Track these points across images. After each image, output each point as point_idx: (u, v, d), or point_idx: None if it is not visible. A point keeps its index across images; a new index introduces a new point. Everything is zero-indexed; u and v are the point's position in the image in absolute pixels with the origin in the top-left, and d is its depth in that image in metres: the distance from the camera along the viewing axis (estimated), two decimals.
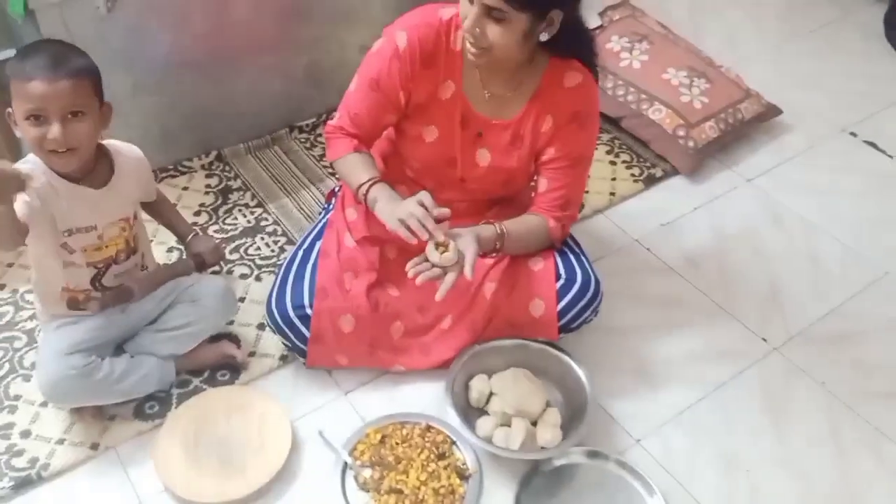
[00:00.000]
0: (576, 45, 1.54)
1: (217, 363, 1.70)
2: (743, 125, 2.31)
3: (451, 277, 1.44)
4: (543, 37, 1.44)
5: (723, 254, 2.02)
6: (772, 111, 2.39)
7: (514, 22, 1.39)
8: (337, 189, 1.89)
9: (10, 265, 1.91)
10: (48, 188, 1.42)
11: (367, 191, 1.54)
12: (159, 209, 1.72)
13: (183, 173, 2.16)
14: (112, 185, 1.49)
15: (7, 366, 1.69)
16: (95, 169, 1.48)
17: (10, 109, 1.38)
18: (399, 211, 1.46)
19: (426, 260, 1.46)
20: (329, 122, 1.67)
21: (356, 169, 1.58)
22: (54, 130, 1.34)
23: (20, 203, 1.34)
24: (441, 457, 1.53)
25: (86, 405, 1.57)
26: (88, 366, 1.49)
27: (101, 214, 1.50)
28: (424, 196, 1.47)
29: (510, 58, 1.49)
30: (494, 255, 1.61)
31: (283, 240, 2.00)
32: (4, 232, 1.31)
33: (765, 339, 1.81)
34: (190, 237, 1.78)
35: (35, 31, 1.83)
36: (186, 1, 1.94)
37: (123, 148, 1.55)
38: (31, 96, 1.32)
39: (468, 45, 1.46)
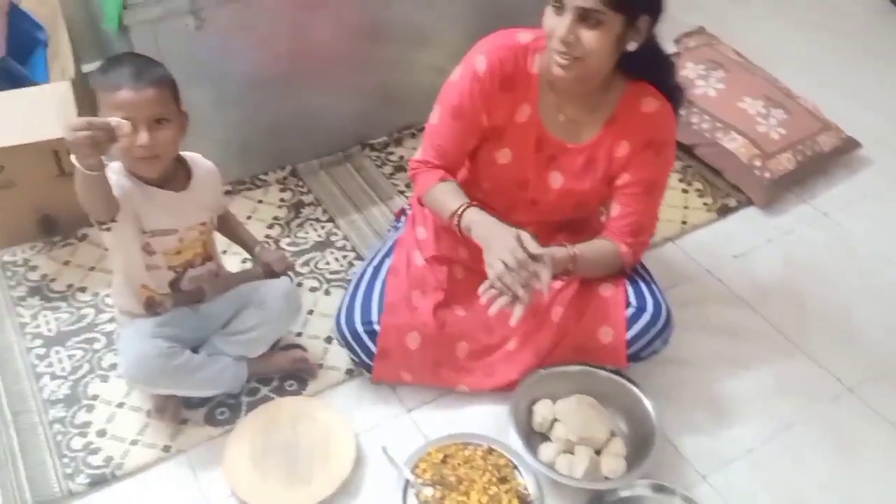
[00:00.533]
0: (654, 66, 1.53)
1: (288, 370, 1.73)
2: (821, 158, 2.26)
3: (524, 302, 1.42)
4: (632, 46, 1.43)
5: (796, 288, 1.98)
6: (851, 144, 2.33)
7: (609, 24, 1.38)
8: (407, 207, 1.91)
9: (91, 269, 1.99)
10: (133, 190, 1.48)
11: (460, 218, 1.54)
12: (226, 223, 1.77)
13: (258, 187, 2.22)
14: (191, 191, 1.55)
15: (86, 366, 1.76)
16: (175, 176, 1.54)
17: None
18: (496, 244, 1.44)
19: None
20: (412, 159, 1.68)
21: (447, 198, 1.57)
22: (142, 137, 1.40)
23: (110, 174, 1.40)
24: (503, 480, 1.53)
25: (165, 392, 1.60)
26: (171, 349, 1.54)
27: (181, 218, 1.55)
28: (525, 237, 1.45)
29: (599, 69, 1.47)
30: (565, 276, 1.61)
31: (351, 255, 2.03)
32: (99, 194, 1.38)
33: (838, 379, 1.76)
34: (257, 249, 1.82)
35: (127, 47, 1.91)
36: (271, 21, 2.01)
37: (197, 158, 1.61)
38: (119, 104, 1.38)
39: (557, 58, 1.44)
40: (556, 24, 1.41)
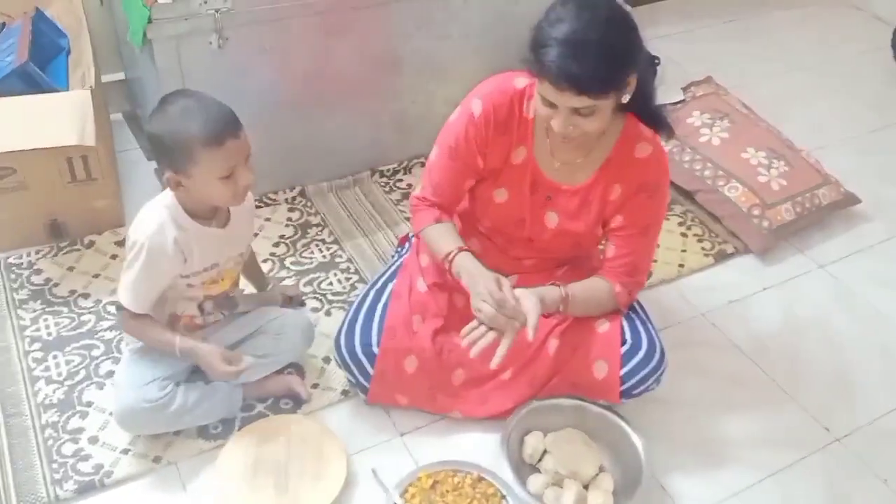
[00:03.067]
0: (644, 99, 1.53)
1: (280, 394, 1.74)
2: (820, 210, 2.30)
3: (507, 342, 1.46)
4: (625, 98, 1.46)
5: (790, 337, 2.00)
6: (850, 199, 2.37)
7: (603, 106, 1.42)
8: (411, 235, 1.94)
9: (96, 276, 2.01)
10: (181, 239, 1.49)
11: (451, 263, 1.59)
12: (248, 258, 1.78)
13: (267, 205, 2.25)
14: (232, 224, 1.58)
15: (83, 372, 1.77)
16: (219, 208, 1.56)
17: (169, 174, 1.45)
18: (478, 286, 1.50)
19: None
20: (413, 194, 1.73)
21: (440, 240, 1.63)
22: (248, 178, 1.45)
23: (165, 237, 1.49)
24: None
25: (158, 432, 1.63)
26: (163, 398, 1.55)
27: (223, 251, 1.58)
28: (503, 280, 1.51)
29: (602, 131, 1.51)
30: (559, 315, 1.63)
31: (355, 277, 2.06)
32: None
33: (827, 429, 1.78)
34: (270, 286, 1.89)
35: (150, 60, 1.96)
36: (293, 46, 2.06)
37: None
38: (230, 155, 1.41)
39: (559, 137, 1.48)
40: (551, 115, 1.44)
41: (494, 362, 1.46)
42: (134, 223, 1.51)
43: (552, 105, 1.42)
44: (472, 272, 1.55)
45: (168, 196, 1.51)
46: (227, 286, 1.63)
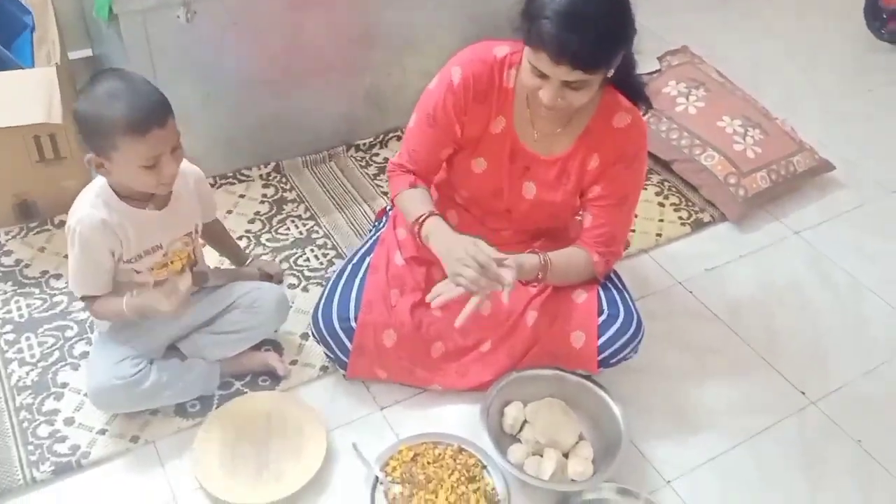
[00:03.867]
0: (625, 70, 1.52)
1: (259, 370, 1.73)
2: (794, 178, 2.31)
3: (472, 303, 1.46)
4: (610, 73, 1.46)
5: (766, 304, 2.02)
6: (824, 166, 2.39)
7: (593, 81, 1.41)
8: (388, 208, 1.93)
9: (66, 256, 1.96)
10: (115, 221, 1.46)
11: (420, 226, 1.58)
12: (213, 231, 1.76)
13: (241, 181, 2.23)
14: (174, 202, 1.53)
15: (57, 353, 1.75)
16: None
17: (91, 156, 1.40)
18: (456, 250, 1.48)
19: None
20: (391, 160, 1.71)
21: (412, 204, 1.62)
22: (173, 167, 1.40)
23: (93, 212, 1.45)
24: (471, 480, 1.54)
25: (133, 410, 1.61)
26: (136, 375, 1.53)
27: (165, 233, 1.54)
28: (481, 243, 1.49)
29: (586, 104, 1.50)
30: (536, 283, 1.63)
31: (332, 253, 2.04)
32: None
33: (803, 393, 1.80)
34: (250, 261, 1.86)
35: (116, 36, 1.91)
36: (264, 19, 2.02)
37: (183, 165, 1.55)
38: (153, 145, 1.35)
39: (544, 109, 1.47)
40: (540, 86, 1.42)
41: (459, 321, 1.46)
42: (70, 212, 1.49)
43: (543, 76, 1.41)
44: (446, 236, 1.54)
45: (100, 179, 1.47)
46: (178, 268, 1.60)
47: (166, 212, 1.53)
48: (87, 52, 2.47)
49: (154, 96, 1.37)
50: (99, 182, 1.48)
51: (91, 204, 1.46)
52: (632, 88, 1.57)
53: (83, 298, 1.55)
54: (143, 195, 1.48)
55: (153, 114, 1.35)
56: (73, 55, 2.37)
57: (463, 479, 1.53)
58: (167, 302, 1.48)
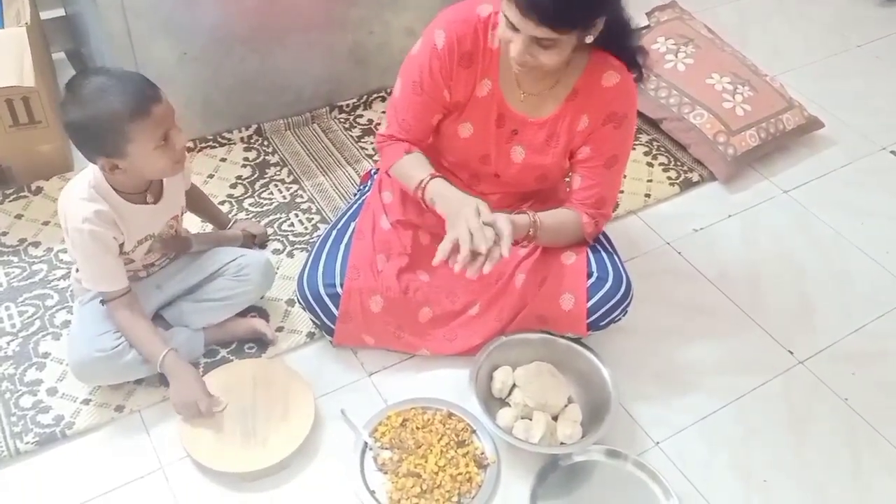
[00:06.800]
0: (615, 35, 1.50)
1: (245, 337, 1.71)
2: (784, 136, 2.29)
3: (489, 264, 1.40)
4: (589, 39, 1.42)
5: (754, 263, 2.01)
6: (814, 124, 2.36)
7: (564, 42, 1.37)
8: (373, 171, 1.89)
9: (45, 223, 1.94)
10: (119, 218, 1.46)
11: (424, 191, 1.53)
12: (192, 198, 1.72)
13: (222, 145, 2.18)
14: (166, 194, 1.54)
15: (38, 323, 1.72)
16: (152, 182, 1.51)
17: (102, 161, 1.39)
18: (456, 220, 1.43)
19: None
20: (378, 132, 1.67)
21: (411, 170, 1.57)
22: (182, 139, 1.41)
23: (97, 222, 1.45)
24: (460, 444, 1.54)
25: (114, 383, 1.59)
26: (117, 347, 1.51)
27: (158, 221, 1.55)
28: (482, 206, 1.45)
29: (559, 67, 1.47)
30: (527, 243, 1.61)
31: (317, 217, 2.01)
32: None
33: (791, 352, 1.80)
34: (232, 223, 1.84)
35: None
36: None
37: None
38: (160, 121, 1.36)
39: (514, 64, 1.43)
40: (511, 39, 1.39)
41: (480, 270, 1.40)
42: (63, 210, 1.47)
43: (514, 29, 1.37)
44: (450, 198, 1.50)
45: (93, 174, 1.45)
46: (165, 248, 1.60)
47: (162, 202, 1.53)
48: (60, 12, 2.39)
49: (136, 76, 1.39)
50: (87, 176, 1.46)
51: (89, 198, 1.44)
52: (625, 56, 1.53)
53: (104, 302, 1.53)
54: (142, 189, 1.48)
55: (147, 91, 1.35)
56: (45, 15, 2.30)
57: (452, 443, 1.53)
58: (204, 405, 1.51)
